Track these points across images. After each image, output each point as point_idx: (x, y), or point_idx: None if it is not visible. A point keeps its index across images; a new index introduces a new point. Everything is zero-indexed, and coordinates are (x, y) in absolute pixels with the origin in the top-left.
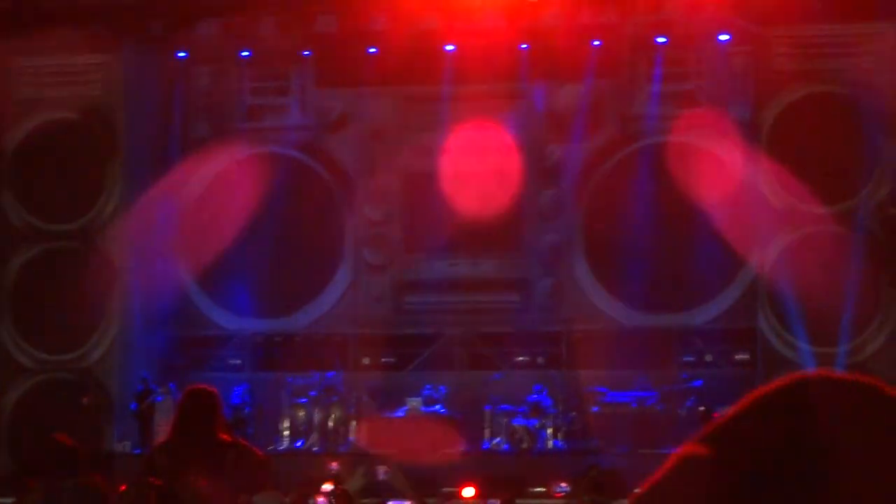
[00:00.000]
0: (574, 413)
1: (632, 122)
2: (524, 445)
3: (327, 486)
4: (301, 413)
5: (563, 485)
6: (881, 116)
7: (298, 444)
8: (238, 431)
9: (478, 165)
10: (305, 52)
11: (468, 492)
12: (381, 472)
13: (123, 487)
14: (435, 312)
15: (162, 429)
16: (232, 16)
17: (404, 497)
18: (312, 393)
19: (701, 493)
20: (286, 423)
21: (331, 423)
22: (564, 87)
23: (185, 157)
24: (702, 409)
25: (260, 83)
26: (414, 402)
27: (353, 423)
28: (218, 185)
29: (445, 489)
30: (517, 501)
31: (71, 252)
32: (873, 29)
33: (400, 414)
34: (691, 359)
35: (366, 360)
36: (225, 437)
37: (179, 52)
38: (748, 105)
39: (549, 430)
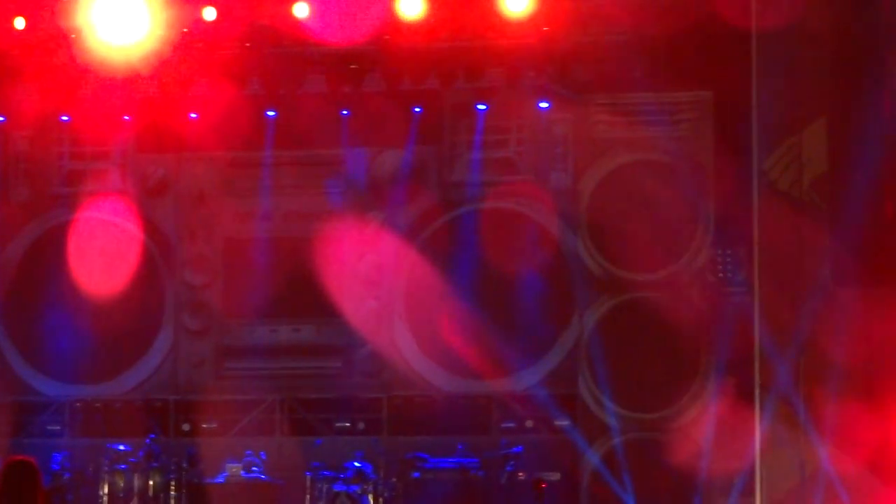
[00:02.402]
0: (395, 479)
1: (452, 188)
2: None
3: None
4: (121, 480)
5: None
6: (700, 184)
7: None
8: (57, 499)
9: (299, 231)
10: (125, 117)
11: None
12: None
13: None
14: (255, 378)
15: None
16: (51, 80)
17: None
18: (132, 459)
19: None
20: (106, 490)
21: (150, 490)
22: (385, 153)
23: (2, 222)
24: (522, 475)
25: (79, 147)
26: (234, 468)
27: (173, 489)
28: (37, 250)
29: None
30: None
31: None
32: (692, 97)
33: (220, 480)
34: (512, 424)
35: (186, 426)
36: None
37: None
38: (568, 172)
39: (371, 497)
